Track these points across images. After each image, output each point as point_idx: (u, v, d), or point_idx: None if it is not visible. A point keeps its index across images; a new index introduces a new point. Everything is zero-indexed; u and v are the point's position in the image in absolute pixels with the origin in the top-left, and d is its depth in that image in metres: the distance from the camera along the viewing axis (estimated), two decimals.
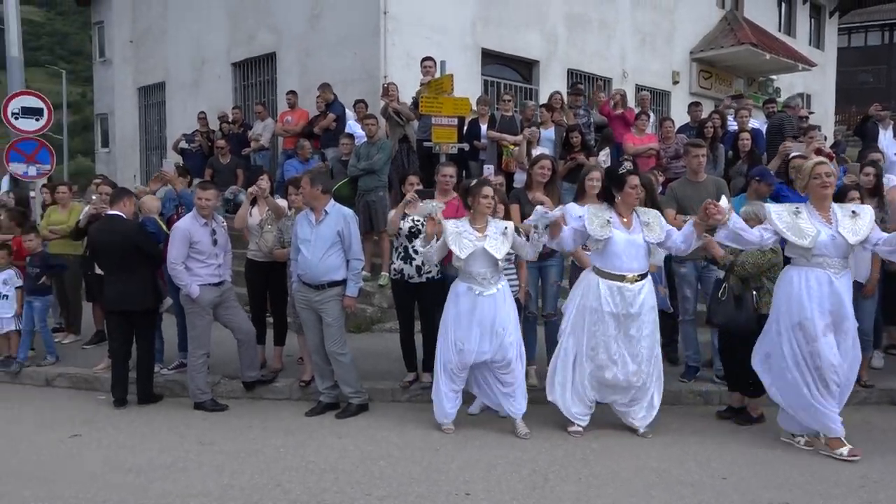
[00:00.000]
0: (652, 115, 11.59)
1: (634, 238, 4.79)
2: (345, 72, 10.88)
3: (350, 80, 10.75)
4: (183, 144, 11.67)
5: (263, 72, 12.86)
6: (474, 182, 5.39)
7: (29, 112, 9.13)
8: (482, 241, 4.92)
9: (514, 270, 5.47)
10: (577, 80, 13.25)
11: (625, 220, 4.85)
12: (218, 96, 13.38)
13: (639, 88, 14.14)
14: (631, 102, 11.87)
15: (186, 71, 14.36)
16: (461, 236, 4.94)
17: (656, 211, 4.99)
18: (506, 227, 5.02)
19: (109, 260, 5.93)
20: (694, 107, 10.09)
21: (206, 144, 11.53)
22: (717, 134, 8.78)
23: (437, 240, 5.01)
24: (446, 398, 5.11)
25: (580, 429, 4.98)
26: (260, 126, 11.16)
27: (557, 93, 9.99)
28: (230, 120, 11.56)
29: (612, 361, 4.83)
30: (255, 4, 12.65)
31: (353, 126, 9.58)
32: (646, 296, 4.82)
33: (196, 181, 7.01)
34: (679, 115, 12.36)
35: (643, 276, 4.83)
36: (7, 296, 6.98)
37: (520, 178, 8.38)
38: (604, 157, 8.86)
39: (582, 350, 4.92)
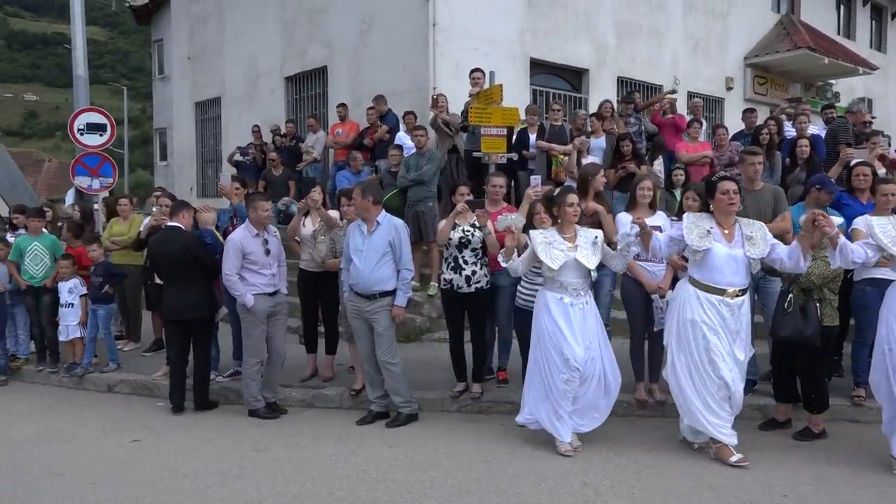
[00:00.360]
0: (705, 122, 11.38)
1: (735, 252, 4.54)
2: (394, 84, 11.00)
3: (399, 91, 10.86)
4: (237, 157, 11.95)
5: (315, 85, 13.09)
6: (558, 190, 5.27)
7: (93, 128, 9.50)
8: (573, 251, 4.81)
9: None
10: (629, 88, 13.12)
11: (726, 231, 4.60)
12: (271, 110, 13.68)
13: (691, 95, 13.88)
14: (682, 110, 11.72)
15: (241, 86, 14.73)
16: (551, 246, 4.82)
17: (761, 223, 4.72)
18: (596, 237, 4.91)
19: (168, 270, 6.11)
20: (748, 113, 9.86)
21: (259, 157, 11.79)
22: (774, 141, 8.55)
23: (518, 253, 4.93)
24: (561, 422, 4.82)
25: (740, 456, 4.60)
26: (312, 139, 11.36)
27: (608, 101, 9.90)
28: (283, 133, 11.80)
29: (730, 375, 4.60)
30: (308, 20, 12.91)
31: (401, 137, 9.66)
32: (746, 312, 4.64)
33: (284, 200, 7.18)
34: (733, 122, 12.09)
35: (743, 292, 4.60)
36: (73, 304, 7.26)
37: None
38: (658, 165, 8.73)
39: (698, 366, 4.62)
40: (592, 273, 4.87)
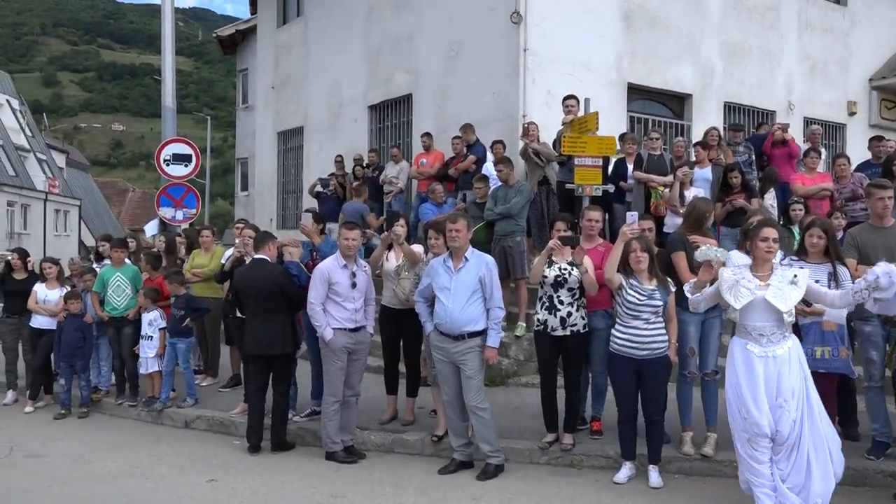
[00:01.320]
0: (823, 151, 10.95)
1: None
2: (482, 112, 11.13)
3: (487, 120, 10.97)
4: (318, 188, 12.31)
5: (399, 114, 13.41)
6: (754, 223, 5.05)
7: (179, 158, 10.07)
8: (763, 289, 4.46)
9: (663, 324, 5.25)
10: (737, 114, 12.79)
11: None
12: (354, 139, 14.08)
13: (808, 122, 13.40)
14: (798, 138, 11.30)
15: (324, 115, 15.26)
16: (738, 284, 4.53)
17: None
18: (795, 275, 4.50)
19: (253, 303, 6.28)
20: (876, 142, 9.41)
21: (339, 189, 12.11)
22: None
23: (709, 286, 4.71)
24: (754, 474, 4.45)
25: None
26: (394, 169, 11.57)
27: (714, 129, 9.67)
28: (365, 164, 12.07)
29: None
30: (394, 47, 13.28)
31: (488, 168, 9.72)
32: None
33: (329, 226, 7.36)
34: (856, 150, 11.57)
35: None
36: (152, 336, 7.61)
37: (671, 223, 8.14)
38: (770, 199, 8.43)
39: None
40: (787, 317, 4.45)
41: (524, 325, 8.04)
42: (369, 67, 13.94)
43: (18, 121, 42.51)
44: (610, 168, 9.16)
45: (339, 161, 12.68)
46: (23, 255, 8.61)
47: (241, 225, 8.14)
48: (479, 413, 5.46)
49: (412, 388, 6.65)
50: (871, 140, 9.68)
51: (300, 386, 6.99)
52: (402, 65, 13.13)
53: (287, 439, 6.38)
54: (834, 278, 5.29)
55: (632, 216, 5.51)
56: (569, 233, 5.84)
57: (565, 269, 5.59)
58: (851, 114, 14.81)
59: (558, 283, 5.61)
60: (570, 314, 5.60)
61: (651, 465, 5.29)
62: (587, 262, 5.60)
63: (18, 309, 8.36)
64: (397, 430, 6.42)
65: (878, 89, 15.26)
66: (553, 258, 5.63)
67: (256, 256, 6.41)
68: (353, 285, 5.98)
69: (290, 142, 16.92)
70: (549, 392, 5.82)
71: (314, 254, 7.04)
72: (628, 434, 5.38)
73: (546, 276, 5.64)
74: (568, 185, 8.56)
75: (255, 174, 19.20)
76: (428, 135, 11.34)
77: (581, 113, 8.83)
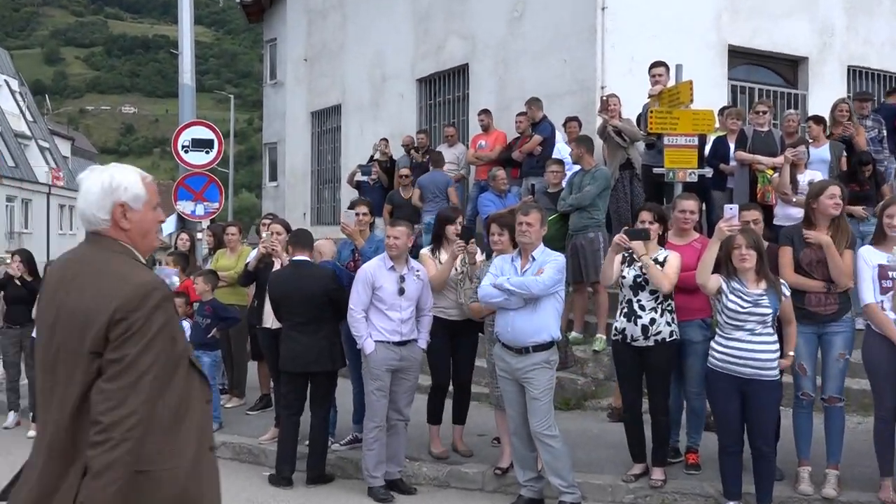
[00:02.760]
0: None
1: None
2: (551, 84, 11.10)
3: (558, 93, 10.94)
4: (359, 177, 12.39)
5: (453, 88, 13.47)
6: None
7: (199, 144, 10.20)
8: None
9: (774, 335, 5.17)
10: (865, 80, 12.45)
11: None
12: (401, 119, 14.20)
13: None
14: None
15: (365, 91, 15.42)
16: None
17: None
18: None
19: (295, 312, 6.32)
20: None
21: (384, 177, 12.18)
22: None
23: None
24: None
25: None
26: (450, 153, 11.57)
27: (845, 101, 9.44)
28: (415, 146, 12.11)
29: None
30: (446, 10, 13.34)
31: (561, 150, 9.69)
32: None
33: (376, 221, 7.39)
34: None
35: None
36: None
37: (782, 214, 7.98)
38: None
39: None
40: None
41: (603, 337, 7.99)
42: (417, 34, 14.03)
43: (18, 104, 44.05)
44: (707, 148, 9.04)
45: (384, 143, 12.73)
46: (27, 258, 8.76)
47: (268, 220, 8.26)
48: (547, 441, 5.44)
49: (459, 414, 6.66)
50: None
51: (339, 408, 7.07)
52: (455, 30, 13.18)
53: (326, 470, 6.46)
54: None
55: (731, 209, 5.44)
56: (649, 226, 5.73)
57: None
58: None
59: (638, 286, 5.58)
60: (653, 321, 5.55)
61: None
62: (672, 257, 5.57)
63: (22, 318, 8.54)
64: (455, 462, 6.46)
65: None
66: (633, 256, 5.59)
67: (298, 258, 6.47)
68: (401, 291, 6.02)
69: (326, 123, 17.14)
70: (634, 414, 5.80)
71: (356, 255, 7.07)
72: (732, 469, 5.29)
73: (625, 277, 5.63)
74: (656, 170, 8.46)
75: (285, 161, 19.52)
76: (487, 112, 11.36)
77: (672, 83, 8.73)
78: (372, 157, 12.74)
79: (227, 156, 31.38)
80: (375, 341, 5.97)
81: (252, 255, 7.84)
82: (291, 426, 6.43)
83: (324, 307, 6.26)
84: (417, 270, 6.20)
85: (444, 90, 13.74)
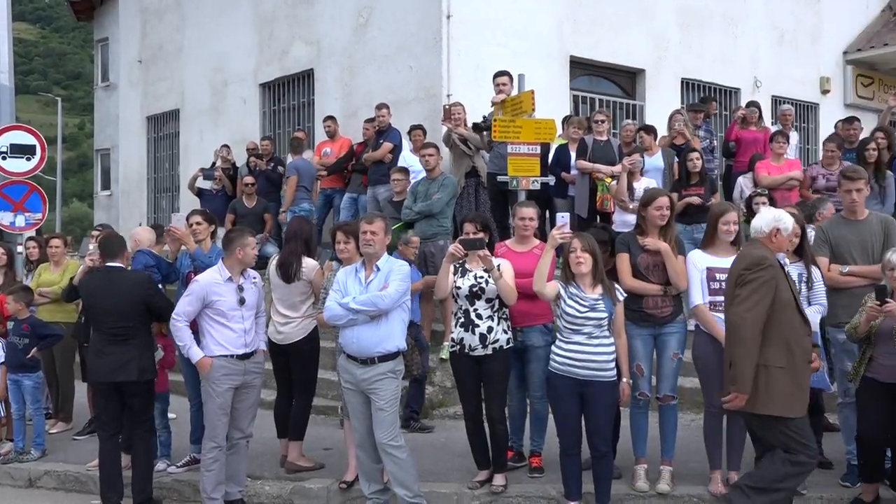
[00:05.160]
0: (795, 134, 11.43)
1: None
2: (397, 91, 11.19)
3: (404, 100, 11.04)
4: (200, 183, 12.08)
5: (298, 94, 13.35)
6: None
7: (19, 150, 9.66)
8: None
9: (611, 338, 5.39)
10: (696, 91, 13.23)
11: None
12: (243, 125, 13.94)
13: (776, 101, 13.97)
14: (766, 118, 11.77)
15: (205, 95, 15.04)
16: None
17: None
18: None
19: (105, 321, 6.06)
20: (846, 123, 9.89)
21: (228, 184, 11.92)
22: (883, 158, 8.58)
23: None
24: None
25: None
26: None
27: (679, 112, 10.04)
28: (258, 153, 11.91)
29: None
30: (290, 13, 13.20)
31: (406, 158, 9.78)
32: None
33: (218, 231, 7.21)
34: (829, 133, 12.12)
35: None
36: None
37: (620, 220, 8.38)
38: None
39: None
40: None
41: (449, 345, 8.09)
42: (261, 37, 13.83)
43: None
44: (550, 157, 9.35)
45: (226, 149, 12.43)
46: None
47: (97, 231, 7.94)
48: (392, 452, 5.46)
49: (297, 428, 6.57)
50: (840, 122, 10.18)
51: (174, 427, 6.86)
52: (300, 34, 13.08)
53: (153, 494, 6.16)
54: (807, 280, 5.62)
55: (563, 217, 5.65)
56: (480, 234, 5.82)
57: (481, 278, 5.66)
58: (825, 91, 15.47)
59: (475, 294, 5.67)
60: (490, 329, 5.68)
61: None
62: (505, 265, 5.70)
63: None
64: (298, 479, 6.38)
65: (854, 63, 15.99)
66: (466, 265, 5.72)
67: (111, 265, 6.20)
68: (242, 301, 5.91)
69: (164, 128, 16.61)
70: (476, 422, 5.89)
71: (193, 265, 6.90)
72: (572, 470, 5.46)
73: (459, 288, 5.71)
74: (500, 178, 8.67)
75: (119, 169, 18.75)
76: (332, 119, 11.33)
77: (514, 92, 8.97)
78: (213, 163, 12.45)
79: (54, 162, 29.82)
80: (218, 356, 5.80)
81: (80, 270, 7.50)
82: (111, 447, 6.10)
83: (137, 316, 6.04)
84: (254, 278, 6.11)
85: (288, 96, 13.60)
